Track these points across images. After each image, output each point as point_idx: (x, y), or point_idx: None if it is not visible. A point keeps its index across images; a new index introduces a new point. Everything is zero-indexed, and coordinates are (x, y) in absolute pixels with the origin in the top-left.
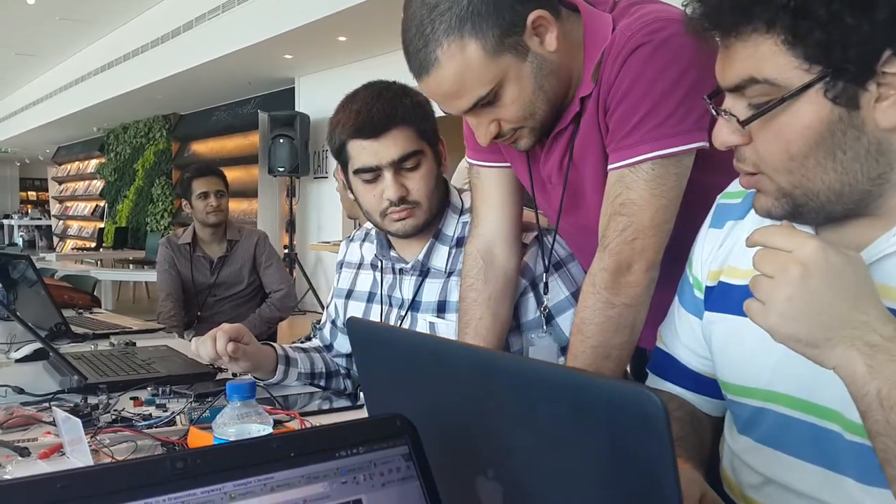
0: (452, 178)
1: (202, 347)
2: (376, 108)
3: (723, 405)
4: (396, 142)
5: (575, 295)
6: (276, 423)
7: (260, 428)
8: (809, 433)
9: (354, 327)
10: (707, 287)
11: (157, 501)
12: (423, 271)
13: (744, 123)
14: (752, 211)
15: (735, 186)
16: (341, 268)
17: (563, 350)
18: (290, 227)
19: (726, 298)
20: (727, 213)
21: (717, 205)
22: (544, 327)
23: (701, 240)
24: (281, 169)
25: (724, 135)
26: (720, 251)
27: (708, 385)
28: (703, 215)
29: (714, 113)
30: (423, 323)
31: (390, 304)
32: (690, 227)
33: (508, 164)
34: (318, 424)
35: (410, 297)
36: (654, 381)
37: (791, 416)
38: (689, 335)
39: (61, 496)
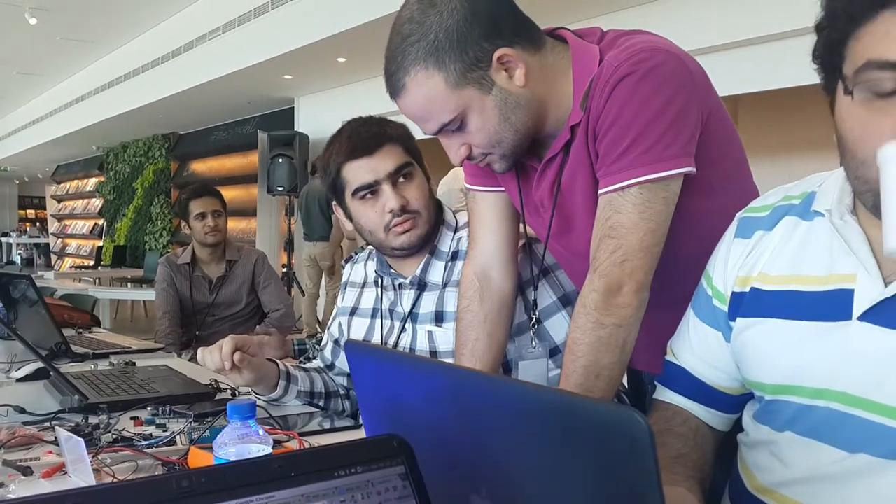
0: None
1: (209, 357)
2: (365, 130)
3: (729, 419)
4: (390, 156)
5: (562, 300)
6: (276, 443)
7: (260, 448)
8: (864, 428)
9: (352, 349)
10: (735, 293)
11: None
12: (421, 286)
13: None
14: (780, 223)
15: (759, 202)
16: (345, 288)
17: (551, 353)
18: (289, 246)
19: (760, 303)
20: (754, 225)
21: (742, 218)
22: (534, 341)
23: (724, 250)
24: (280, 188)
25: None
26: (748, 259)
27: (718, 398)
28: (688, 239)
29: None
30: (422, 333)
31: (391, 319)
32: (676, 251)
33: (504, 189)
34: (316, 445)
35: (409, 310)
36: (662, 392)
37: (845, 412)
38: (703, 346)
39: None
